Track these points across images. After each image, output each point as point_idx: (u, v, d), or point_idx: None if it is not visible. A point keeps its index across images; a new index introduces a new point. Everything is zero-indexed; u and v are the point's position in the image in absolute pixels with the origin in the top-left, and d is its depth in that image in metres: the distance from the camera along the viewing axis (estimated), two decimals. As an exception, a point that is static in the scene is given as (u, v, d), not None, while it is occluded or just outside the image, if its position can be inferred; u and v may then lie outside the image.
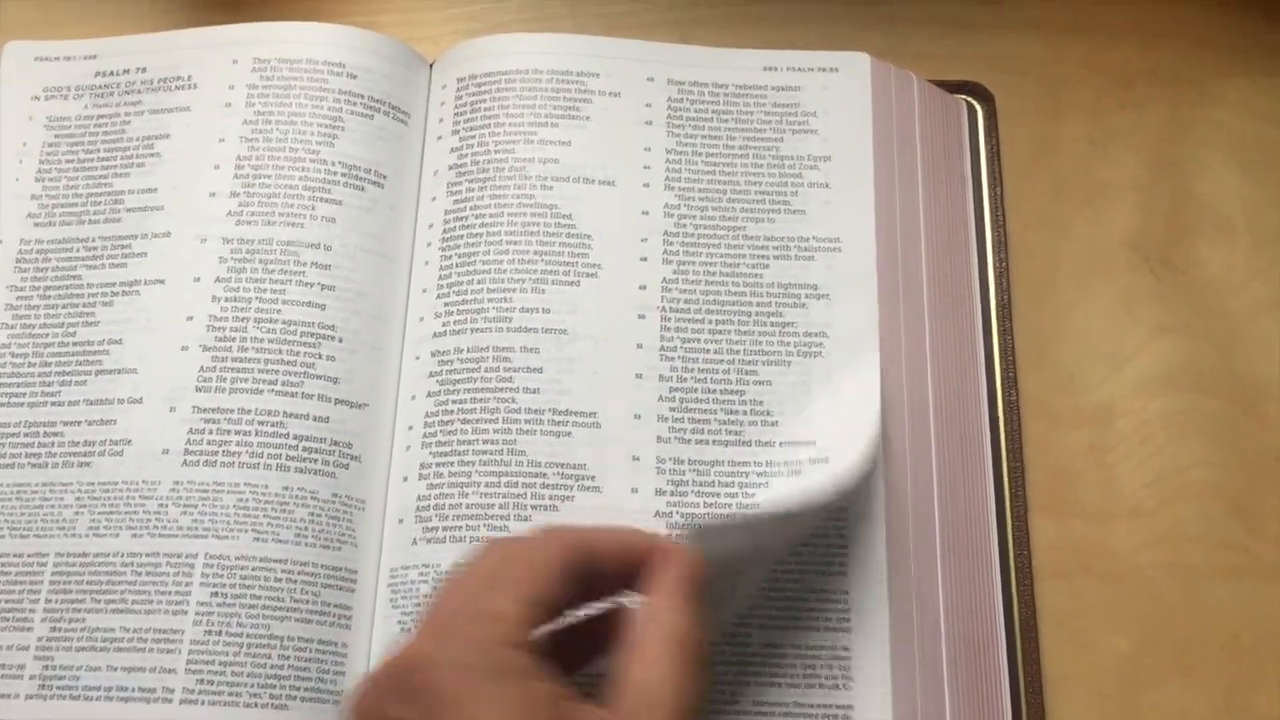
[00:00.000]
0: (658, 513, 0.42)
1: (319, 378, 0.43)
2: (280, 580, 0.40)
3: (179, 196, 0.46)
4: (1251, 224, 0.49)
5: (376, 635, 0.41)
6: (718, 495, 0.42)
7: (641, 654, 0.31)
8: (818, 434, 0.43)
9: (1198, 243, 0.49)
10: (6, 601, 0.41)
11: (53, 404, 0.44)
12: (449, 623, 0.31)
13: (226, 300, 0.44)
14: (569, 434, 0.43)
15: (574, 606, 0.34)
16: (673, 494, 0.42)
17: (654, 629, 0.32)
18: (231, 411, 0.43)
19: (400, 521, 0.42)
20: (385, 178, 0.47)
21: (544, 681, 0.30)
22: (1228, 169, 0.50)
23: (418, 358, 0.44)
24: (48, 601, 0.41)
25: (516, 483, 0.42)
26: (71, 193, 0.47)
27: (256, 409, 0.43)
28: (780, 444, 0.43)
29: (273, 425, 0.42)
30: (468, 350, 0.44)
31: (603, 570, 0.34)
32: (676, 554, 0.34)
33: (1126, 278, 0.48)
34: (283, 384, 0.43)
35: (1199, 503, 0.45)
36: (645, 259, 0.46)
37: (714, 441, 0.43)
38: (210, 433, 0.42)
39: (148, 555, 0.41)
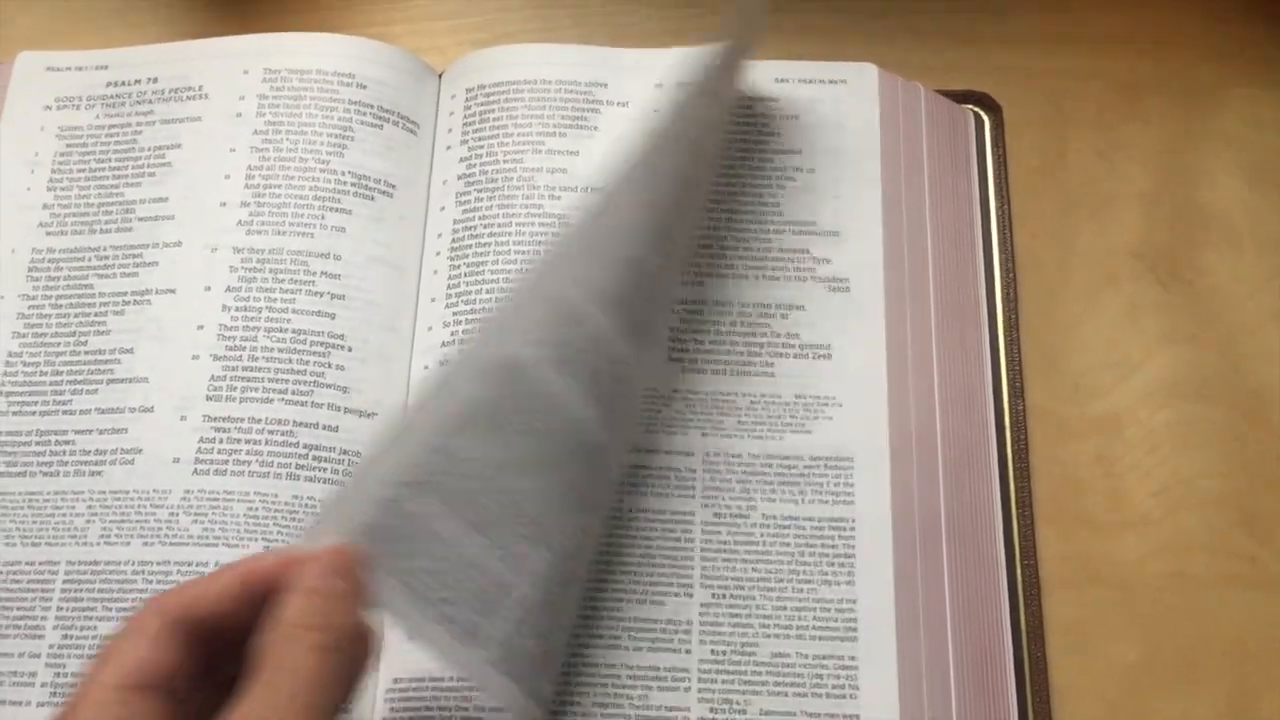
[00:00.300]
0: (666, 522, 0.42)
1: (329, 387, 0.43)
2: None
3: (190, 206, 0.47)
4: (1257, 233, 0.49)
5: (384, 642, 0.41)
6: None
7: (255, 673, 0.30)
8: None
9: (1204, 252, 0.49)
10: (18, 609, 0.41)
11: (64, 412, 0.44)
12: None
13: (237, 309, 0.45)
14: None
15: (216, 663, 0.32)
16: (681, 503, 0.42)
17: (264, 645, 0.30)
18: (242, 420, 0.43)
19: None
20: (395, 188, 0.47)
21: None
22: (1234, 179, 0.50)
23: (426, 367, 0.45)
24: (59, 609, 0.41)
25: (525, 492, 0.42)
26: (83, 202, 0.47)
27: (266, 418, 0.43)
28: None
29: (283, 434, 0.43)
30: (477, 359, 0.44)
31: (224, 617, 0.31)
32: (297, 560, 0.32)
33: (1133, 288, 0.48)
34: (292, 393, 0.43)
35: (1205, 512, 0.45)
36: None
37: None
38: (221, 441, 0.43)
39: (159, 564, 0.41)
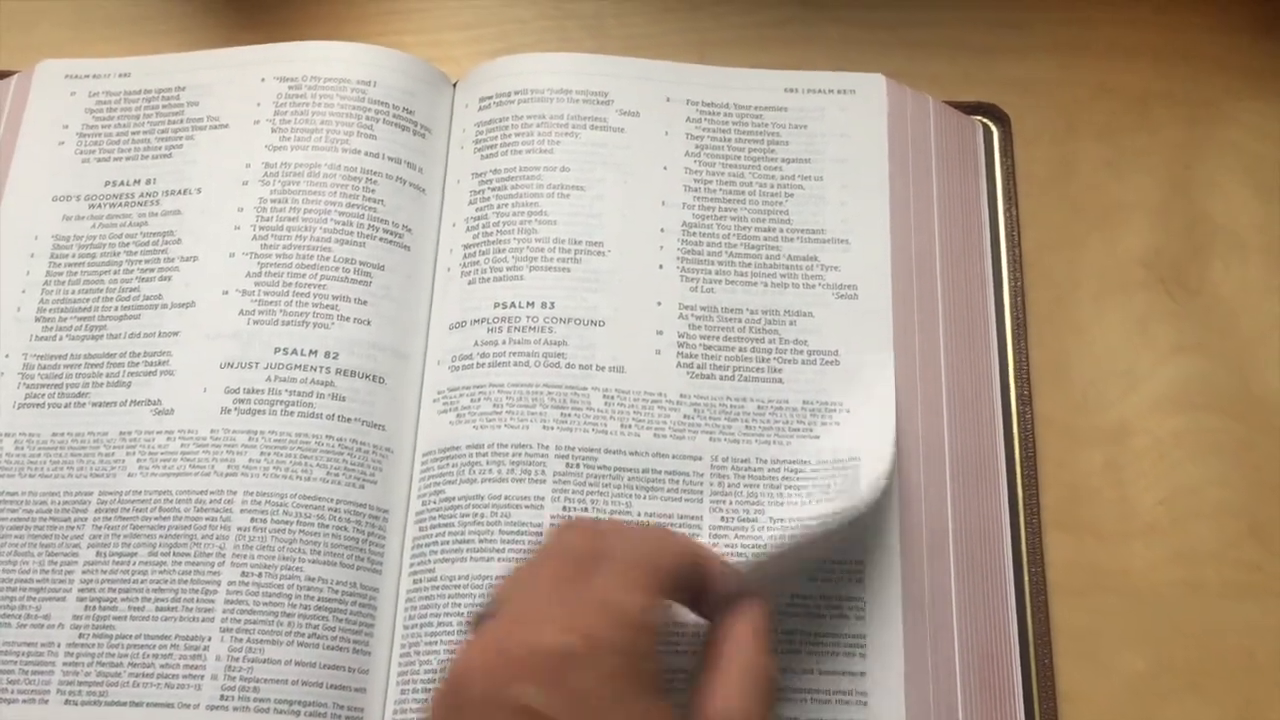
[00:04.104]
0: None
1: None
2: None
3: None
4: (1266, 245, 0.49)
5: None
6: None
7: (725, 683, 0.33)
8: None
9: (1212, 263, 0.49)
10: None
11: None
12: (594, 615, 0.30)
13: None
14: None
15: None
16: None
17: (740, 661, 0.33)
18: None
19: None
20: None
21: (666, 701, 0.31)
22: (1242, 190, 0.50)
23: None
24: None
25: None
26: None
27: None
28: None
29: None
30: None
31: (694, 584, 0.35)
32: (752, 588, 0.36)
33: (1141, 297, 0.48)
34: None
35: (1214, 521, 0.45)
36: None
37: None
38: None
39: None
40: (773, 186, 0.48)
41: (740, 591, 0.36)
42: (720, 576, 0.35)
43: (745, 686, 0.33)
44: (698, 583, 0.35)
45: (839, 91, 0.49)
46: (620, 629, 0.30)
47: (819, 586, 0.41)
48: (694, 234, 0.47)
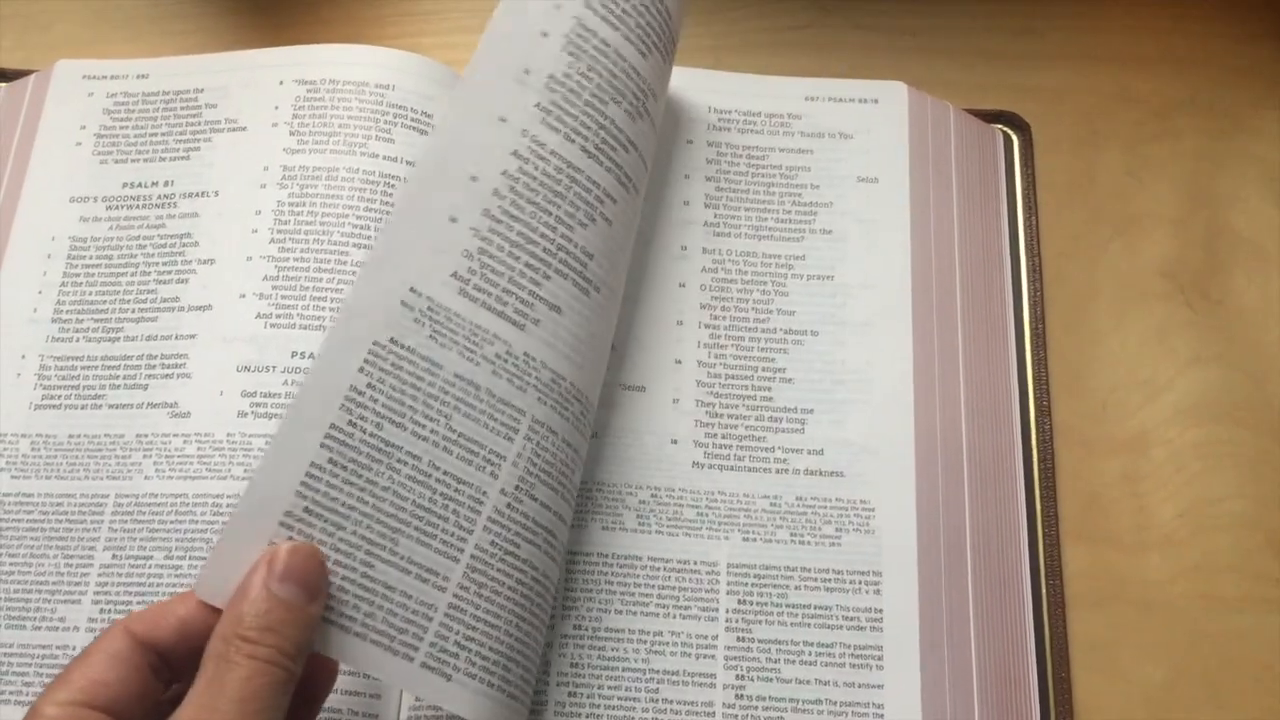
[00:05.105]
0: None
1: None
2: None
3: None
4: (1287, 256, 0.49)
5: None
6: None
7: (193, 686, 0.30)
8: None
9: (1233, 273, 0.49)
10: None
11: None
12: None
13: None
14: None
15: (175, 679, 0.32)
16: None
17: (205, 655, 0.30)
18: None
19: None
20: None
21: None
22: (1263, 201, 0.50)
23: None
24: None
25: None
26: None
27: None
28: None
29: None
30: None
31: (188, 642, 0.31)
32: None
33: (1161, 307, 0.48)
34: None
35: (1232, 533, 0.45)
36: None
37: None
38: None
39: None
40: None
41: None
42: (194, 614, 0.32)
43: (202, 670, 0.30)
44: (139, 645, 0.31)
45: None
46: None
47: (835, 597, 0.41)
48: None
